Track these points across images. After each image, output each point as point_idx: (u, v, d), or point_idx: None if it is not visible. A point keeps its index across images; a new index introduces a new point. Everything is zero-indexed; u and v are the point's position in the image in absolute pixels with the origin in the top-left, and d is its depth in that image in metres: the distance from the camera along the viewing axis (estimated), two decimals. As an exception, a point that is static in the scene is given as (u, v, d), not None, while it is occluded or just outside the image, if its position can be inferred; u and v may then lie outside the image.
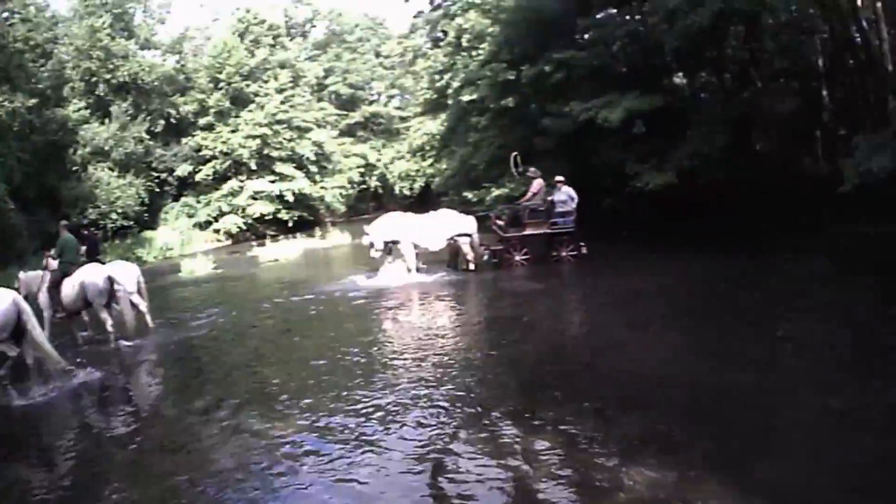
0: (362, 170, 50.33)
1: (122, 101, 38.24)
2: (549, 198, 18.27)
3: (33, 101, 30.41)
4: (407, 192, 48.83)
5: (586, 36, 23.72)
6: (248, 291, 19.72)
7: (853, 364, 8.63)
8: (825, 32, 23.79)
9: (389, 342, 11.89)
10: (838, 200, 18.00)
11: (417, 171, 47.38)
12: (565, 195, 18.09)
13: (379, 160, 51.93)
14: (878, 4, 19.63)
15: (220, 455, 7.25)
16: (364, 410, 8.13)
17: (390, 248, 18.10)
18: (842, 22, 19.84)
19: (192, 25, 46.26)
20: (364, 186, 51.59)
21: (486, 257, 18.89)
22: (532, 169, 18.95)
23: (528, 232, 18.27)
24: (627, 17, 19.87)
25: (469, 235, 18.21)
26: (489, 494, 5.95)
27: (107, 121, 37.06)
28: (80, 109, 36.21)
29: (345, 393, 8.86)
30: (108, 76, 37.91)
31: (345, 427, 7.68)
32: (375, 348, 11.38)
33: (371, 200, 54.38)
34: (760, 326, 10.84)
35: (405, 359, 10.39)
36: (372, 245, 18.07)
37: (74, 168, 34.81)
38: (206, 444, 7.65)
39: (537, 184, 18.46)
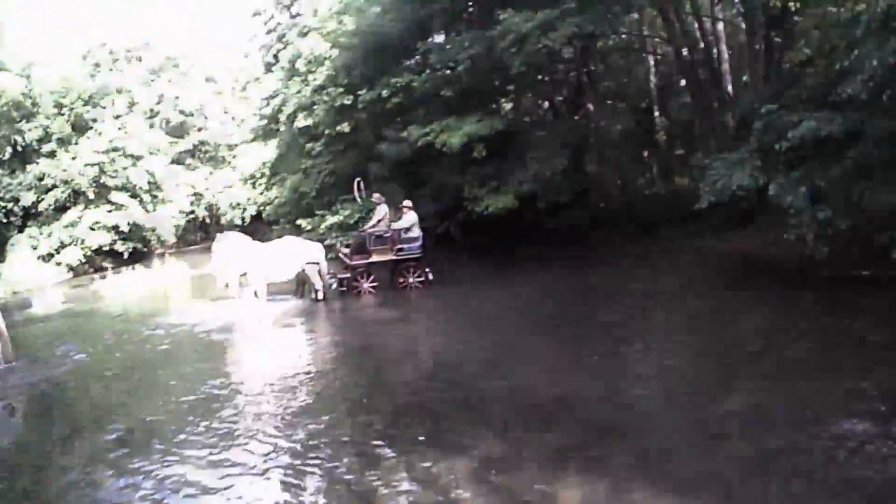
0: (192, 199, 48.65)
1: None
2: (394, 224, 18.14)
3: None
4: (238, 222, 47.22)
5: (420, 58, 23.91)
6: (101, 326, 18.40)
7: (725, 370, 9.12)
8: (658, 54, 25.12)
9: (258, 375, 11.38)
10: (678, 218, 19.10)
11: (248, 199, 46.09)
12: (411, 221, 18.01)
13: (207, 189, 50.35)
14: (719, 26, 20.86)
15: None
16: (254, 453, 7.61)
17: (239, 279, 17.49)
18: (685, 42, 20.88)
19: (39, 46, 42.97)
20: (193, 216, 49.93)
21: (333, 286, 18.53)
22: (376, 195, 18.84)
23: (374, 259, 17.96)
24: (466, 45, 19.89)
25: (317, 263, 17.77)
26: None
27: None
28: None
29: (222, 431, 8.37)
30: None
31: (229, 474, 7.14)
32: (244, 382, 10.92)
33: (200, 230, 52.76)
34: (627, 341, 11.24)
35: (280, 390, 10.01)
36: (227, 285, 17.51)
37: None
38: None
39: (382, 210, 18.29)
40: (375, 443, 7.56)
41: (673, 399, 8.21)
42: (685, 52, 22.23)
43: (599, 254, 20.02)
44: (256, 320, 16.15)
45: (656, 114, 27.13)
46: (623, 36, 24.43)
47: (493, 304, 15.31)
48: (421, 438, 7.52)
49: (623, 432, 7.24)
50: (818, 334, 10.26)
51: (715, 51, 21.66)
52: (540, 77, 23.89)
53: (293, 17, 40.51)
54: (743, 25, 21.55)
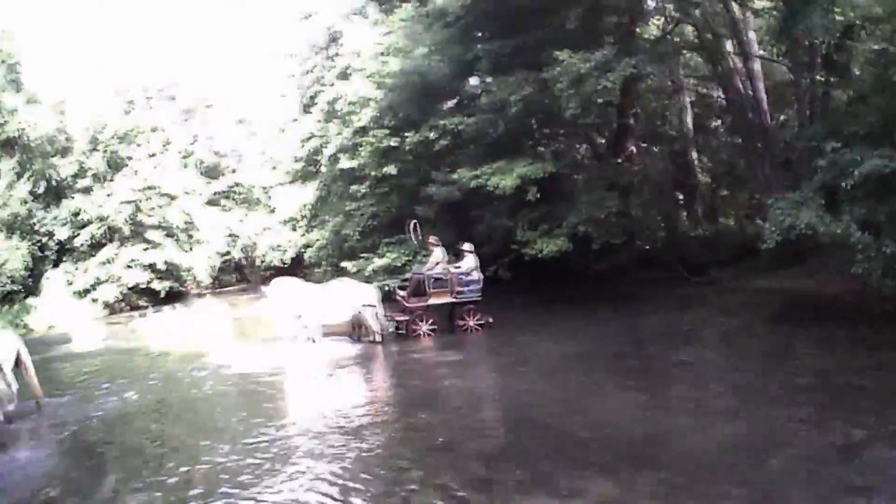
0: (228, 240, 48.92)
1: (10, 158, 36.72)
2: (452, 266, 18.17)
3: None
4: (277, 264, 46.99)
5: (466, 99, 24.16)
6: (145, 365, 18.49)
7: (813, 405, 9.25)
8: (695, 94, 25.21)
9: (323, 417, 10.90)
10: (726, 258, 19.16)
11: (288, 241, 46.05)
12: (471, 264, 18.06)
13: (242, 231, 50.45)
14: (756, 65, 20.91)
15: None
16: (339, 499, 7.36)
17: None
18: (729, 82, 20.98)
19: (70, 81, 43.54)
20: (229, 257, 50.16)
21: (391, 329, 18.42)
22: (433, 238, 18.88)
23: (432, 301, 17.96)
24: (518, 86, 20.03)
25: (373, 306, 17.73)
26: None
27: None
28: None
29: (297, 475, 8.16)
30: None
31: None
32: (309, 425, 10.56)
33: (235, 272, 53.11)
34: (701, 378, 11.35)
35: (350, 434, 9.72)
36: (293, 336, 17.61)
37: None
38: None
39: (438, 252, 18.30)
40: (479, 489, 7.38)
41: (766, 432, 8.24)
42: (724, 91, 22.39)
43: (651, 295, 20.06)
44: (313, 363, 16.05)
45: (694, 155, 27.24)
46: (654, 77, 24.47)
47: (553, 345, 15.26)
48: (527, 483, 7.43)
49: (729, 468, 7.33)
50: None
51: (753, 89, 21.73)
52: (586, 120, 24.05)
53: (330, 58, 40.85)
54: (783, 63, 21.62)
